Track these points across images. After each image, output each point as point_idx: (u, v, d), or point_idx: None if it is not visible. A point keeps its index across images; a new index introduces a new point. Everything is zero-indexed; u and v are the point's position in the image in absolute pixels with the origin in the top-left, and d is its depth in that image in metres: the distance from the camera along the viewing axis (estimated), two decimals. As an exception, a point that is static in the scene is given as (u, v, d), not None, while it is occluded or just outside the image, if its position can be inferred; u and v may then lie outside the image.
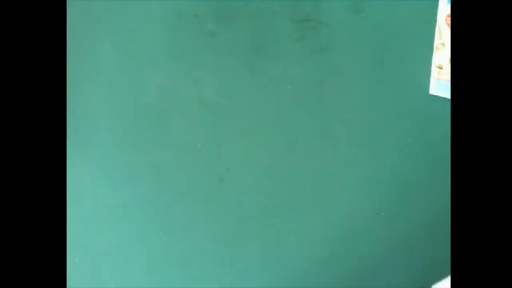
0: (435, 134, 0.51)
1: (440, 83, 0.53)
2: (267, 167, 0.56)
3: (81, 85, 0.59)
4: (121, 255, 0.58)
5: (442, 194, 0.51)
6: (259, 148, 0.56)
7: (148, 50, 0.58)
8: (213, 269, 0.56)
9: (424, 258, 0.51)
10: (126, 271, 0.58)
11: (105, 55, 0.59)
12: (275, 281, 0.55)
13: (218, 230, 0.57)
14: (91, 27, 0.58)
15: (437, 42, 0.55)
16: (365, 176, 0.54)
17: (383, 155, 0.54)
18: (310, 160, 0.55)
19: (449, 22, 0.55)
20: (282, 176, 0.56)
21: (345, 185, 0.54)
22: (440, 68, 0.54)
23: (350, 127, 0.55)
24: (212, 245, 0.57)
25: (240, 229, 0.56)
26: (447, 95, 0.53)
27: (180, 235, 0.57)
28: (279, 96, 0.56)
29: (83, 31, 0.59)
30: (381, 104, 0.54)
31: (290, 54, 0.56)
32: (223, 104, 0.57)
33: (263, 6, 0.55)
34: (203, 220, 0.57)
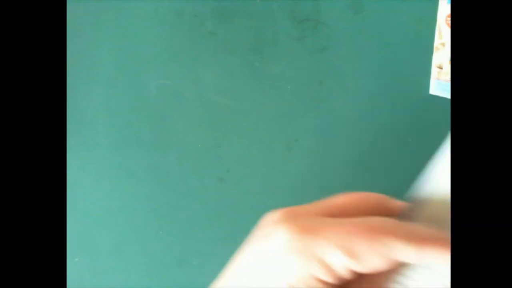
0: (435, 134, 0.51)
1: (440, 83, 0.53)
2: (267, 167, 0.56)
3: (81, 85, 0.59)
4: (121, 255, 0.58)
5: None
6: (259, 148, 0.56)
7: (148, 50, 0.58)
8: (213, 269, 0.56)
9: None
10: (126, 271, 0.58)
11: (105, 55, 0.59)
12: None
13: (218, 230, 0.57)
14: (91, 27, 0.58)
15: (437, 42, 0.55)
16: (366, 176, 0.54)
17: (384, 155, 0.54)
18: (310, 160, 0.55)
19: (449, 22, 0.55)
20: (282, 176, 0.56)
21: (345, 186, 0.54)
22: (440, 68, 0.54)
23: (350, 127, 0.55)
24: (212, 245, 0.57)
25: (240, 229, 0.56)
26: (447, 95, 0.53)
27: (180, 235, 0.57)
28: (279, 96, 0.56)
29: (83, 31, 0.59)
30: (381, 104, 0.54)
31: (290, 54, 0.56)
32: (223, 104, 0.57)
33: (263, 6, 0.55)
34: (203, 220, 0.57)
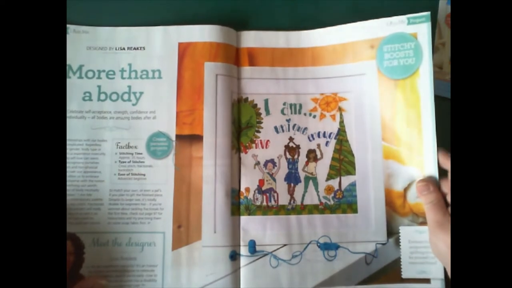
0: (436, 134, 0.51)
1: (440, 83, 0.53)
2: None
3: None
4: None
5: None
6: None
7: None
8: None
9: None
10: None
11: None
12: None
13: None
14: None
15: (437, 42, 0.55)
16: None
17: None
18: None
19: (449, 22, 0.55)
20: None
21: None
22: (440, 68, 0.54)
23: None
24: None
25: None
26: (447, 95, 0.53)
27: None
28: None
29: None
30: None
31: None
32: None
33: (263, 6, 0.55)
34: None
